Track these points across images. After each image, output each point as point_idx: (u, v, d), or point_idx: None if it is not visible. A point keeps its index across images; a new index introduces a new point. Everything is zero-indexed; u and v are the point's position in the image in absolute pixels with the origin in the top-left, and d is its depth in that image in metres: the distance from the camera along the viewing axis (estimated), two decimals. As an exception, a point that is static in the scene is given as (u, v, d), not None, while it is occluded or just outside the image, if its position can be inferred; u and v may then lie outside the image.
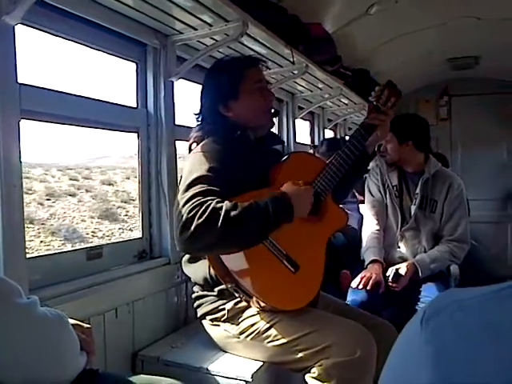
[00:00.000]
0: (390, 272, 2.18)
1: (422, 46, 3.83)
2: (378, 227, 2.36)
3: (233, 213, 1.28)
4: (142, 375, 1.21)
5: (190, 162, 1.47)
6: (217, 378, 1.51)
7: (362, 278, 2.14)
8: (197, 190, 1.32)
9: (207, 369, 1.52)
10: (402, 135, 2.28)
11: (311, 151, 3.06)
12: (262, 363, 1.53)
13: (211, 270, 1.51)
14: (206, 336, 1.66)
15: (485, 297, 0.40)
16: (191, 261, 1.64)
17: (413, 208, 2.29)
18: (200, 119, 1.65)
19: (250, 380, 1.47)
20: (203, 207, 1.27)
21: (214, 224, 1.26)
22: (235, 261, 1.40)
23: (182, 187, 1.38)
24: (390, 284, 2.17)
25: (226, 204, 1.29)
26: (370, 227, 2.38)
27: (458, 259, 2.29)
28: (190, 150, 1.62)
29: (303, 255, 1.50)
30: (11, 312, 0.75)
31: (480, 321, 0.38)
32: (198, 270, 1.61)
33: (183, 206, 1.30)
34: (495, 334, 0.36)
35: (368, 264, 2.23)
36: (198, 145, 1.58)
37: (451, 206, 2.29)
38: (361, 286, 2.11)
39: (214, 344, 1.65)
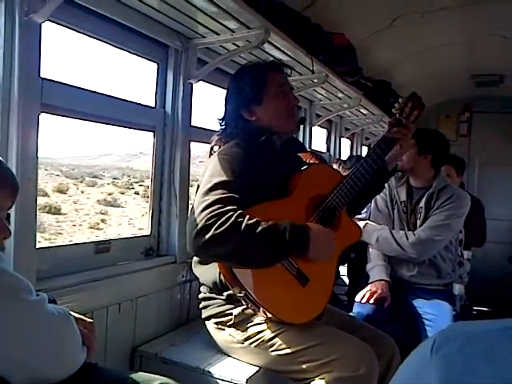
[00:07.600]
0: None
1: (446, 61, 3.78)
2: None
3: (252, 231, 1.29)
4: (140, 372, 1.23)
5: (213, 164, 1.46)
6: (212, 379, 1.52)
7: (367, 292, 2.14)
8: (218, 196, 1.32)
9: (203, 370, 1.54)
10: (424, 146, 2.23)
11: (335, 166, 3.02)
12: (258, 368, 1.54)
13: (221, 274, 1.50)
14: (206, 337, 1.67)
15: (493, 333, 0.42)
16: (201, 262, 1.61)
17: (418, 223, 2.26)
18: (223, 124, 1.65)
19: (245, 384, 1.48)
20: (224, 218, 1.27)
21: (232, 237, 1.27)
22: (245, 270, 1.39)
23: (202, 190, 1.37)
24: None
25: (247, 219, 1.29)
26: None
27: (403, 249, 2.17)
28: (211, 153, 1.61)
29: (314, 269, 1.48)
30: (20, 309, 0.77)
31: (487, 356, 0.40)
32: (207, 272, 1.59)
33: (202, 210, 1.30)
34: (501, 368, 0.38)
35: (375, 281, 2.20)
36: (219, 148, 1.57)
37: (438, 209, 2.21)
38: (364, 300, 2.10)
39: (212, 345, 1.66)
